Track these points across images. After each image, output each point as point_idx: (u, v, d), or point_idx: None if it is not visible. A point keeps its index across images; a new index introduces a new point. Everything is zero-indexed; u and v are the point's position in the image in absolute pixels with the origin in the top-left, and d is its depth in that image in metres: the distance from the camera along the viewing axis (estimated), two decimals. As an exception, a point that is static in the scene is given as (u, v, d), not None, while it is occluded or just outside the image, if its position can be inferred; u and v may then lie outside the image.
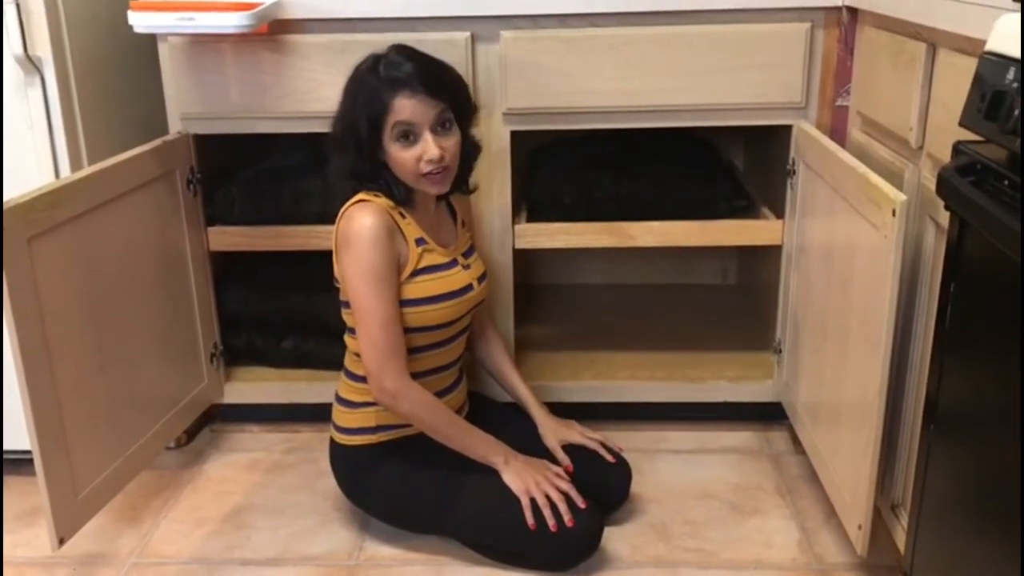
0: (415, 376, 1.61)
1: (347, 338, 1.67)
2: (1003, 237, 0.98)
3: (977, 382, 1.13)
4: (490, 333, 1.85)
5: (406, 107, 1.50)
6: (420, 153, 1.52)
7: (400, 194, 1.57)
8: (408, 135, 1.52)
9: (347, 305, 1.60)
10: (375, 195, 1.57)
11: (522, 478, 1.59)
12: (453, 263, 1.64)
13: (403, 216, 1.58)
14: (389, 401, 1.57)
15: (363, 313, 1.54)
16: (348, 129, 1.54)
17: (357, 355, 1.64)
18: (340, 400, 1.69)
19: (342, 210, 1.57)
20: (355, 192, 1.59)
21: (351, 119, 1.53)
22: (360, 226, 1.52)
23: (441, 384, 1.68)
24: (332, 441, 1.71)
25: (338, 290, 1.63)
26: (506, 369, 1.84)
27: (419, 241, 1.59)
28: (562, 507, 1.56)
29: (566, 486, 1.60)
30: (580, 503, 1.58)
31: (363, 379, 1.63)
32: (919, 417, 1.34)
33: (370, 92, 1.51)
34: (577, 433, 1.76)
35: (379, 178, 1.56)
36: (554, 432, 1.75)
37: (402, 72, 1.51)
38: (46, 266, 1.44)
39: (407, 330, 1.58)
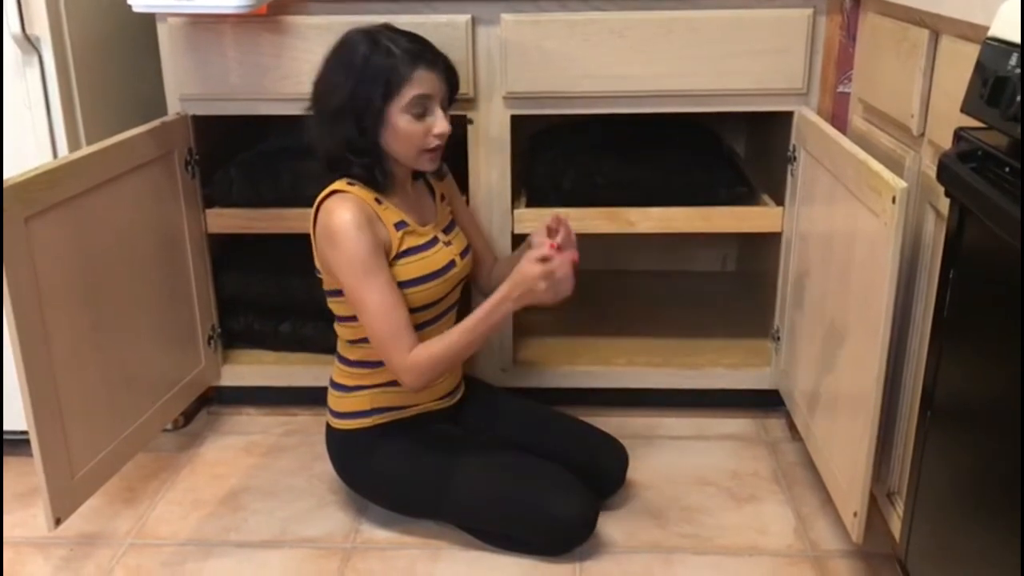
0: None
1: (337, 326, 1.66)
2: (1003, 224, 0.97)
3: (975, 370, 1.13)
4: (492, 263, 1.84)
5: (426, 80, 1.51)
6: (430, 127, 1.53)
7: (381, 177, 1.56)
8: (422, 108, 1.52)
9: (334, 294, 1.60)
10: (348, 184, 1.56)
11: (538, 296, 1.50)
12: (434, 241, 1.63)
13: (379, 203, 1.57)
14: (416, 379, 1.53)
15: (363, 307, 1.52)
16: (353, 101, 1.50)
17: (349, 341, 1.64)
18: (334, 385, 1.69)
19: (317, 202, 1.56)
20: (330, 177, 1.58)
21: (357, 90, 1.50)
22: (340, 221, 1.50)
23: None
24: (328, 426, 1.71)
25: (321, 280, 1.62)
26: (497, 268, 1.81)
27: (399, 225, 1.58)
28: (568, 270, 1.50)
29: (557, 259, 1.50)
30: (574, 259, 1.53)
31: (356, 364, 1.64)
32: (916, 405, 1.34)
33: (384, 63, 1.49)
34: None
35: (371, 154, 1.54)
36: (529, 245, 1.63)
37: (418, 46, 1.52)
38: (43, 246, 1.43)
39: None
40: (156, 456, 1.93)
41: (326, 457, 1.73)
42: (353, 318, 1.60)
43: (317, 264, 1.61)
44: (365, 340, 1.61)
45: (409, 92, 1.50)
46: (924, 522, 1.27)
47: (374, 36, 1.53)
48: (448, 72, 1.56)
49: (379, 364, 1.63)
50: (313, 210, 1.57)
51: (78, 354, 1.53)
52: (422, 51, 1.52)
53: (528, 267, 1.49)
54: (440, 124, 1.53)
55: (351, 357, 1.64)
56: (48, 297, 1.44)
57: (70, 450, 1.50)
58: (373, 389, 1.64)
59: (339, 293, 1.59)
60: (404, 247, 1.58)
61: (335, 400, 1.68)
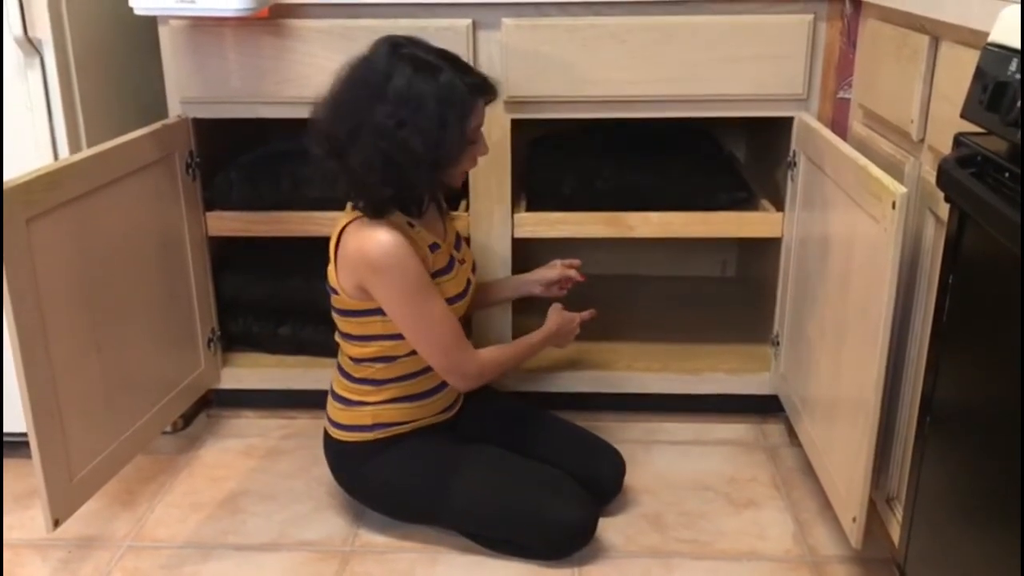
0: (416, 375, 1.62)
1: (343, 342, 1.63)
2: (1003, 229, 0.97)
3: (974, 376, 1.13)
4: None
5: (482, 111, 1.53)
6: (476, 150, 1.56)
7: (421, 206, 1.58)
8: (477, 138, 1.55)
9: (348, 313, 1.57)
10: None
11: (567, 341, 1.81)
12: (452, 261, 1.63)
13: (412, 226, 1.56)
14: (476, 383, 1.63)
15: (426, 321, 1.53)
16: (437, 142, 1.45)
17: (354, 359, 1.62)
18: (335, 396, 1.67)
19: (342, 226, 1.53)
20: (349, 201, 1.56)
21: (438, 130, 1.44)
22: (384, 246, 1.47)
23: (436, 380, 1.66)
24: (327, 434, 1.69)
25: (330, 296, 1.60)
26: (494, 286, 1.88)
27: (432, 247, 1.59)
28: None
29: (585, 316, 1.83)
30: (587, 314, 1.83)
31: (360, 381, 1.63)
32: (915, 411, 1.34)
33: (461, 100, 1.47)
34: (556, 269, 1.85)
35: (434, 187, 1.57)
36: (537, 283, 1.85)
37: (476, 75, 1.51)
38: (44, 248, 1.43)
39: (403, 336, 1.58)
40: (155, 459, 1.92)
41: (325, 460, 1.72)
42: (363, 337, 1.59)
43: (334, 284, 1.57)
44: (373, 360, 1.60)
45: (475, 123, 1.51)
46: (923, 528, 1.27)
47: (428, 65, 1.45)
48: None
49: (383, 383, 1.62)
50: (336, 233, 1.54)
51: (78, 356, 1.53)
52: (481, 81, 1.51)
53: (570, 315, 1.79)
54: (484, 146, 1.57)
55: (355, 375, 1.63)
56: (48, 299, 1.44)
57: (69, 452, 1.50)
58: (376, 406, 1.63)
59: (355, 313, 1.57)
60: (434, 268, 1.58)
61: (336, 411, 1.67)
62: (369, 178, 1.47)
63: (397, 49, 1.46)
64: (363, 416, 1.63)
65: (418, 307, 1.52)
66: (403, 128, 1.43)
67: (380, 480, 1.65)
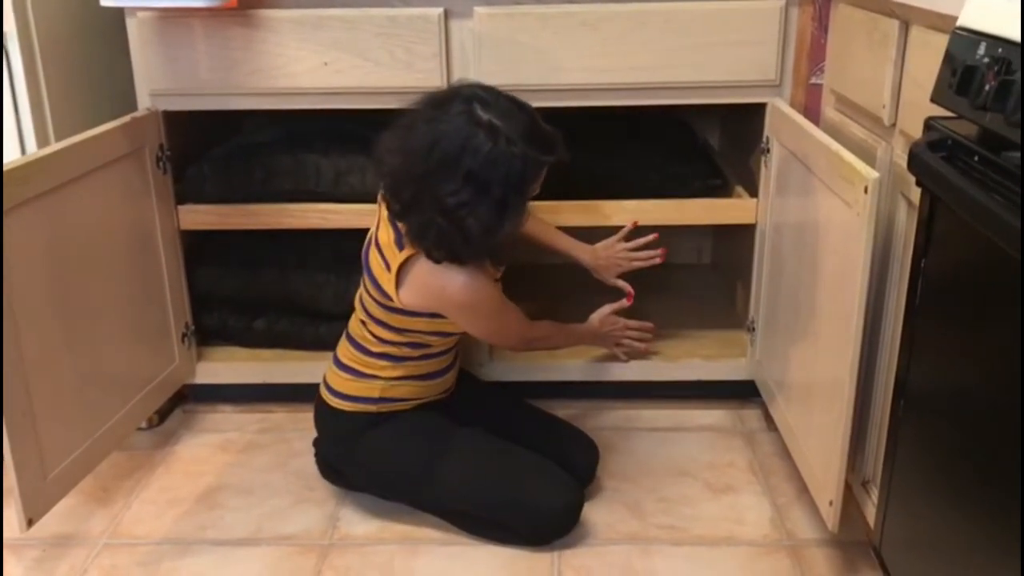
0: (434, 356, 1.64)
1: (371, 323, 1.61)
2: (974, 212, 0.98)
3: (947, 359, 1.14)
4: None
5: (545, 171, 1.51)
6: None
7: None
8: None
9: (396, 311, 1.56)
10: None
11: (606, 343, 1.94)
12: None
13: None
14: (528, 346, 1.78)
15: (499, 330, 1.66)
16: (500, 230, 1.46)
17: (384, 340, 1.61)
18: (342, 366, 1.67)
19: (406, 256, 1.50)
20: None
21: (504, 220, 1.45)
22: (466, 288, 1.51)
23: (446, 362, 1.69)
24: (325, 403, 1.68)
25: (370, 290, 1.59)
26: (539, 229, 1.88)
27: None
28: (636, 338, 1.93)
29: (633, 325, 1.93)
30: (648, 327, 1.95)
31: (377, 356, 1.63)
32: (890, 394, 1.35)
33: (530, 175, 1.46)
34: (623, 260, 1.89)
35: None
36: (606, 270, 1.90)
37: (547, 140, 1.48)
38: (13, 243, 1.41)
39: (445, 334, 1.61)
40: (131, 455, 1.91)
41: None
42: (403, 330, 1.59)
43: (390, 293, 1.53)
44: (402, 344, 1.61)
45: (534, 188, 1.50)
46: (899, 510, 1.28)
47: (504, 138, 1.41)
48: None
49: (402, 360, 1.63)
50: (402, 257, 1.51)
51: (50, 353, 1.51)
52: (553, 155, 1.49)
53: (615, 318, 1.90)
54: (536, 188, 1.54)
55: (374, 349, 1.63)
56: (18, 295, 1.42)
57: (43, 450, 1.48)
58: (387, 381, 1.64)
59: (406, 313, 1.55)
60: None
61: (340, 381, 1.66)
62: (423, 242, 1.48)
63: (474, 113, 1.41)
64: (372, 389, 1.64)
65: (499, 322, 1.62)
66: (463, 208, 1.41)
67: (376, 450, 1.65)
